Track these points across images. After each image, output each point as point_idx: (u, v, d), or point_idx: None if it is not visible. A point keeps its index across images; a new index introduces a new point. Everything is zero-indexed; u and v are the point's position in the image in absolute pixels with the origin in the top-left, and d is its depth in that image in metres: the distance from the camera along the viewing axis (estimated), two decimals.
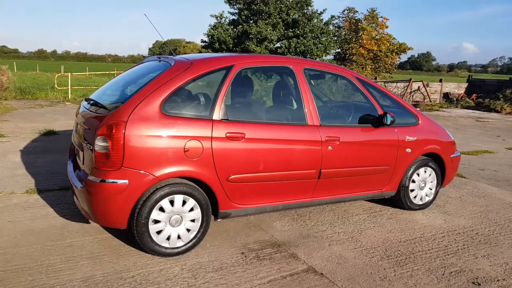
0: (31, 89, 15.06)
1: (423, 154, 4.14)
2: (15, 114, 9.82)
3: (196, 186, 3.05)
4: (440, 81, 20.34)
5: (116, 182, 2.77)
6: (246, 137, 3.12)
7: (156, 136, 2.83)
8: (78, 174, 3.27)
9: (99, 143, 2.77)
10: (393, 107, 4.06)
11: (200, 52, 18.82)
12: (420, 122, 4.11)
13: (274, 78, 4.02)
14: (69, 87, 14.25)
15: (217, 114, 3.05)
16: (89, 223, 3.59)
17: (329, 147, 3.48)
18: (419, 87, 18.58)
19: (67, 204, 4.01)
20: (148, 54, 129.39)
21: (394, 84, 18.55)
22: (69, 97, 13.85)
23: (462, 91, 20.66)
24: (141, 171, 2.81)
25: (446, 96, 19.93)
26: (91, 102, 3.25)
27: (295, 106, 3.53)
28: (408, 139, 3.94)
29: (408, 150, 3.97)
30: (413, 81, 18.41)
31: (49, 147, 6.48)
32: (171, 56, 3.36)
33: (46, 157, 5.82)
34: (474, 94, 19.69)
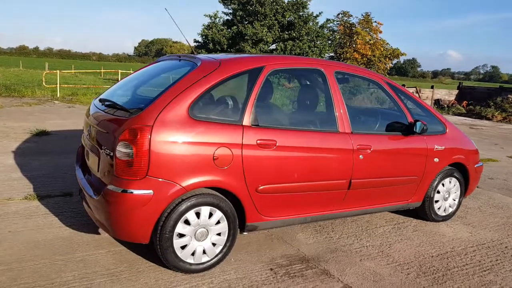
0: (17, 86, 14.50)
1: (449, 164, 3.97)
2: (3, 113, 9.35)
3: (223, 197, 2.80)
4: (432, 87, 20.52)
5: (140, 193, 2.50)
6: (277, 145, 2.88)
7: (184, 142, 2.57)
8: (91, 181, 2.99)
9: (121, 149, 2.50)
10: (421, 114, 3.89)
11: (193, 52, 18.42)
12: (447, 130, 3.95)
13: (303, 80, 3.80)
14: (58, 85, 13.75)
15: (247, 119, 2.81)
16: (99, 234, 3.30)
17: (360, 156, 3.28)
18: (412, 93, 18.67)
19: (72, 212, 3.70)
20: (134, 53, 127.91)
21: None
22: (58, 95, 13.37)
23: (452, 98, 20.88)
24: (167, 181, 2.55)
25: (437, 102, 20.09)
26: (107, 103, 2.96)
27: (326, 111, 3.31)
28: (436, 148, 3.78)
29: (436, 159, 3.80)
30: (406, 87, 18.48)
31: (43, 148, 6.11)
32: (196, 55, 3.11)
33: (42, 159, 5.47)
34: (465, 101, 19.91)
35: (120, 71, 16.22)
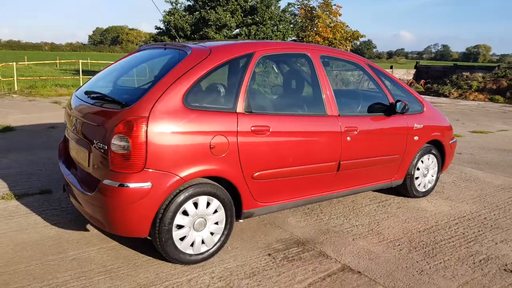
0: None
1: (427, 141, 4.13)
2: None
3: (220, 186, 2.78)
4: (391, 67, 21.14)
5: (138, 186, 2.43)
6: (271, 130, 2.88)
7: (181, 132, 2.52)
8: (80, 176, 2.88)
9: (117, 143, 2.41)
10: (400, 94, 4.00)
11: (155, 40, 17.91)
12: (425, 109, 4.09)
13: (290, 65, 3.79)
14: (15, 78, 12.98)
15: (241, 106, 2.78)
16: (88, 230, 3.19)
17: (348, 138, 3.34)
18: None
19: (55, 210, 3.55)
20: (89, 41, 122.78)
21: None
22: (16, 89, 12.64)
23: (411, 77, 21.62)
24: (166, 172, 2.49)
25: None
26: (94, 95, 2.83)
27: (314, 95, 3.33)
28: (416, 127, 3.91)
29: (416, 137, 3.94)
30: None
31: (10, 144, 5.79)
32: (184, 43, 3.02)
33: (11, 156, 5.19)
34: (423, 80, 20.66)
35: (81, 61, 15.48)
